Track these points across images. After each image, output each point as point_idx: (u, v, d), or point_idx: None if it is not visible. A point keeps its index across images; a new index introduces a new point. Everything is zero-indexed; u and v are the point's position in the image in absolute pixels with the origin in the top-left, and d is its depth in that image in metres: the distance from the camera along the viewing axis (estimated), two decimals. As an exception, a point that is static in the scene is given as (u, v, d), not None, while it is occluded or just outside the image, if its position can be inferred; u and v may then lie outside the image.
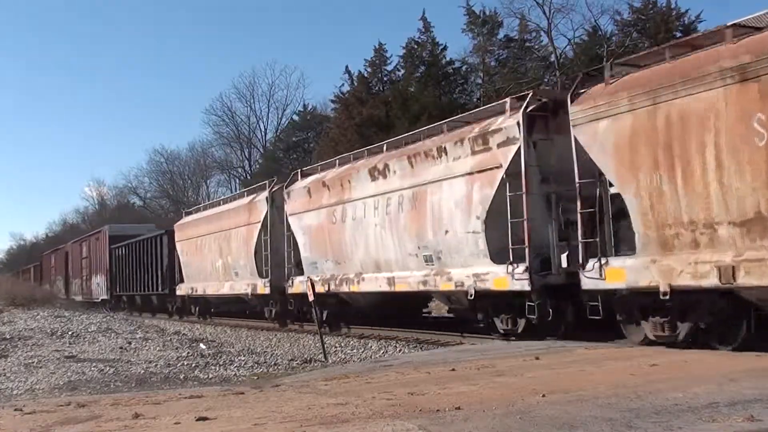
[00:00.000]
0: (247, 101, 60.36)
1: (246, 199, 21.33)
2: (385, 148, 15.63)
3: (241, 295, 21.29)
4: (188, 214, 27.83)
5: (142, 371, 10.69)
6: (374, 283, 14.89)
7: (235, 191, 59.72)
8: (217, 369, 11.15)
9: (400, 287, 14.13)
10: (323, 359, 13.51)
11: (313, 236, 17.13)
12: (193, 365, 11.41)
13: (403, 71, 42.32)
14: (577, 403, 5.54)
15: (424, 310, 18.21)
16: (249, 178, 54.58)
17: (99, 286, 38.94)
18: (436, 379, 7.29)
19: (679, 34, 35.37)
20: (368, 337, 15.83)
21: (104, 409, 6.28)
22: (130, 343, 14.88)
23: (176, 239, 26.82)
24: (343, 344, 15.87)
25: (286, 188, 18.45)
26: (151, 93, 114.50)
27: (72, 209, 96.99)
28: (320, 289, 16.13)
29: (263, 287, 19.30)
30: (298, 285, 17.64)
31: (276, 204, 18.81)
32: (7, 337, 15.88)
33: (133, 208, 70.47)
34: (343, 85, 43.96)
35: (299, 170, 18.92)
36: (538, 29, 38.11)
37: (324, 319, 16.53)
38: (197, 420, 5.57)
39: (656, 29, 34.51)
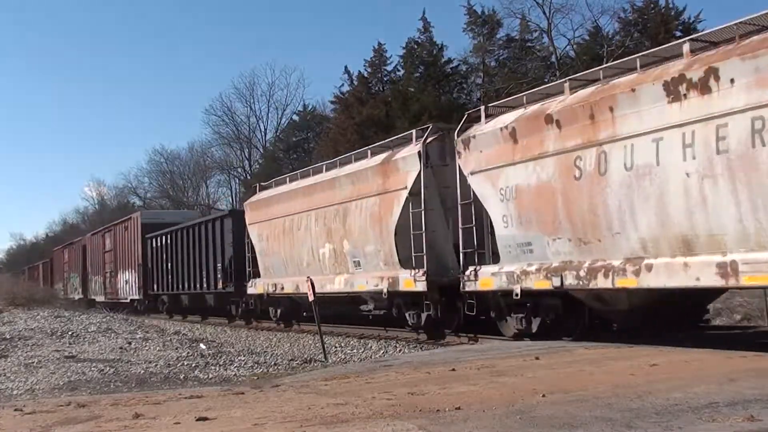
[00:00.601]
0: (247, 101, 60.42)
1: (376, 158, 15.37)
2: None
3: (366, 292, 15.66)
4: (264, 188, 21.13)
5: (142, 371, 10.68)
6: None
7: (235, 191, 60.28)
8: (217, 369, 11.13)
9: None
10: (323, 359, 13.50)
11: (529, 203, 11.02)
12: (193, 365, 11.39)
13: (402, 71, 42.34)
14: (577, 403, 5.55)
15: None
16: (249, 178, 54.60)
17: (128, 284, 33.55)
18: (436, 379, 7.29)
19: (678, 34, 35.43)
20: (368, 337, 15.84)
21: (104, 409, 6.28)
22: (130, 343, 14.86)
23: (248, 221, 20.84)
24: (343, 344, 15.88)
25: (459, 135, 12.67)
26: (151, 93, 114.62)
27: (72, 209, 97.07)
28: (542, 284, 10.72)
29: (410, 281, 13.72)
30: (488, 279, 11.96)
31: (432, 161, 13.72)
32: (7, 337, 15.86)
33: (133, 209, 70.50)
34: (342, 85, 43.99)
35: (482, 107, 12.67)
36: (538, 29, 38.14)
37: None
38: (197, 420, 5.57)
39: (656, 29, 34.53)
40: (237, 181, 60.44)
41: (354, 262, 15.71)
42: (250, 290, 20.91)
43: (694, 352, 8.49)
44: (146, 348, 14.02)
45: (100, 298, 37.41)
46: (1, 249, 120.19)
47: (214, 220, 24.87)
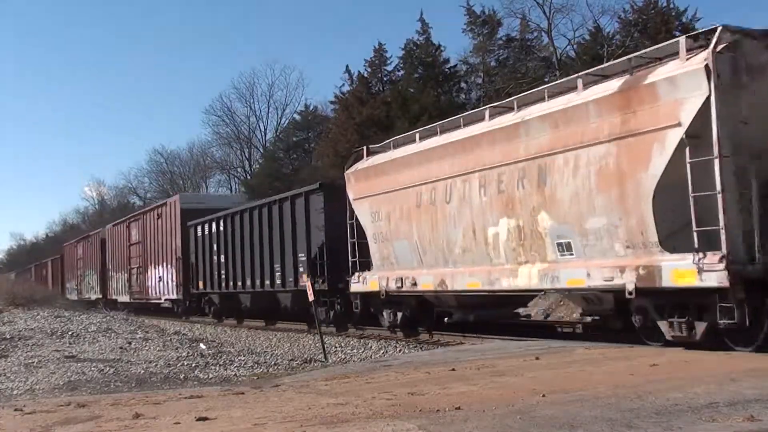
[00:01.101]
0: (247, 101, 60.41)
1: (604, 87, 10.16)
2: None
3: (584, 290, 10.47)
4: (374, 152, 15.59)
5: (142, 371, 10.68)
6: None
7: (235, 191, 60.10)
8: (217, 369, 11.13)
9: None
10: (323, 359, 13.50)
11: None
12: (193, 365, 11.39)
13: (402, 72, 42.39)
14: (577, 403, 5.54)
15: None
16: (249, 178, 54.59)
17: (163, 281, 28.24)
18: (436, 379, 7.29)
19: (678, 34, 35.44)
20: (368, 337, 15.83)
21: (104, 409, 6.28)
22: (130, 343, 14.86)
23: (354, 196, 15.48)
24: (343, 344, 15.87)
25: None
26: (151, 93, 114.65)
27: (72, 209, 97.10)
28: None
29: (688, 272, 8.75)
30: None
31: (723, 81, 8.62)
32: (7, 337, 15.85)
33: (134, 209, 70.57)
34: (343, 85, 43.97)
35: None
36: (538, 29, 38.14)
37: None
38: (197, 420, 5.57)
39: (656, 29, 34.53)
40: (237, 181, 60.42)
41: (560, 244, 10.56)
42: (355, 287, 15.56)
43: (694, 352, 8.49)
44: (146, 348, 14.01)
45: (124, 298, 32.83)
46: (1, 249, 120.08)
47: (295, 197, 18.86)
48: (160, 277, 28.69)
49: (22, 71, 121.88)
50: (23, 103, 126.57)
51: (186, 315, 26.93)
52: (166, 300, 28.58)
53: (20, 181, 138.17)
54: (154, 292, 29.41)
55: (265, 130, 60.65)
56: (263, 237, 20.46)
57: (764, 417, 4.77)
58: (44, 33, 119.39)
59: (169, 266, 27.61)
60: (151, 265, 29.66)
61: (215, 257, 23.70)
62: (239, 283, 22.17)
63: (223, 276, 23.19)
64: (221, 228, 23.23)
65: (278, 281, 19.50)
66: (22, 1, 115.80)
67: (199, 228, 25.11)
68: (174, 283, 27.14)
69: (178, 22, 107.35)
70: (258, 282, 20.79)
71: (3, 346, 14.26)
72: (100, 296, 36.82)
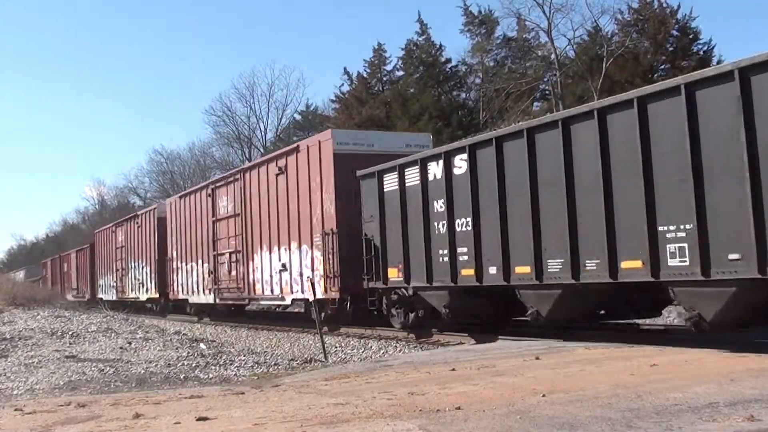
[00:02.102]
0: (247, 101, 60.42)
1: None
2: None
3: None
4: None
5: (143, 371, 10.68)
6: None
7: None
8: (218, 369, 11.14)
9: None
10: (323, 359, 13.50)
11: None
12: (194, 365, 11.40)
13: (402, 72, 42.46)
14: (578, 403, 5.55)
15: None
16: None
17: (291, 271, 17.58)
18: (436, 379, 7.29)
19: (676, 33, 35.51)
20: (368, 337, 15.83)
21: (104, 409, 6.28)
22: (130, 343, 14.86)
23: None
24: (343, 344, 15.86)
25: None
26: (151, 93, 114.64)
27: (72, 209, 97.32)
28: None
29: None
30: None
31: None
32: (7, 337, 15.87)
33: (134, 209, 70.61)
34: (342, 85, 44.11)
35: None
36: (537, 29, 38.17)
37: None
38: (197, 420, 5.57)
39: (655, 30, 34.57)
40: (237, 180, 60.38)
41: None
42: None
43: (694, 352, 8.49)
44: (146, 348, 14.02)
45: (205, 299, 22.90)
46: (1, 249, 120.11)
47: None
48: (283, 266, 17.99)
49: (22, 71, 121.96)
50: (23, 103, 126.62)
51: (344, 323, 16.59)
52: (295, 302, 18.78)
53: (20, 181, 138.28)
54: (265, 289, 19.02)
55: (266, 130, 60.67)
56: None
57: (764, 417, 4.77)
58: (44, 33, 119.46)
59: (305, 247, 16.98)
60: (261, 248, 19.20)
61: (439, 225, 12.82)
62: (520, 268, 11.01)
63: (465, 258, 12.23)
64: (462, 169, 12.27)
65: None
66: (22, 1, 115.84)
67: (392, 179, 14.10)
68: (318, 274, 16.27)
69: (179, 23, 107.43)
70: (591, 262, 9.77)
71: (3, 346, 14.27)
72: (156, 296, 27.97)
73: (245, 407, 6.13)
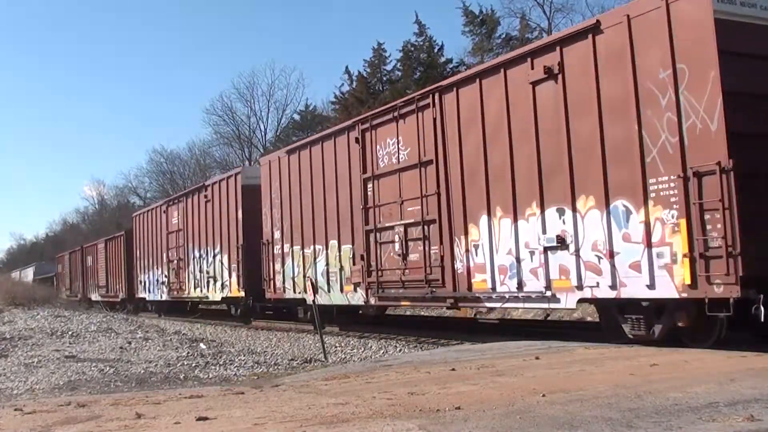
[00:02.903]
0: (247, 101, 60.47)
1: None
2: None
3: None
4: None
5: (142, 371, 10.68)
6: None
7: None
8: (217, 369, 11.14)
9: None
10: (323, 359, 13.50)
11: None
12: (193, 365, 11.40)
13: (401, 73, 42.44)
14: (578, 402, 5.54)
15: None
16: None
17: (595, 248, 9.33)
18: (436, 379, 7.29)
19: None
20: (368, 337, 15.82)
21: (104, 409, 6.28)
22: (130, 343, 14.87)
23: None
24: (343, 344, 15.86)
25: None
26: (151, 93, 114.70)
27: (72, 209, 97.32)
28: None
29: None
30: None
31: None
32: (7, 336, 15.87)
33: (134, 209, 70.66)
34: (342, 85, 44.07)
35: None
36: (538, 28, 38.14)
37: None
38: (197, 420, 5.57)
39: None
40: (237, 180, 60.41)
41: None
42: None
43: (694, 352, 8.49)
44: (146, 348, 14.02)
45: (347, 299, 15.67)
46: (1, 249, 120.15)
47: None
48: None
49: (22, 71, 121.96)
50: (23, 103, 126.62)
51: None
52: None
53: (20, 181, 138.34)
54: (511, 283, 11.34)
55: (266, 129, 60.75)
56: None
57: (764, 417, 4.77)
58: (44, 33, 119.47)
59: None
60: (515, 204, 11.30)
61: None
62: None
63: None
64: None
65: None
66: (22, 2, 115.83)
67: None
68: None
69: (179, 23, 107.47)
70: None
71: (3, 346, 14.28)
72: (239, 294, 20.87)
73: (245, 407, 6.12)
